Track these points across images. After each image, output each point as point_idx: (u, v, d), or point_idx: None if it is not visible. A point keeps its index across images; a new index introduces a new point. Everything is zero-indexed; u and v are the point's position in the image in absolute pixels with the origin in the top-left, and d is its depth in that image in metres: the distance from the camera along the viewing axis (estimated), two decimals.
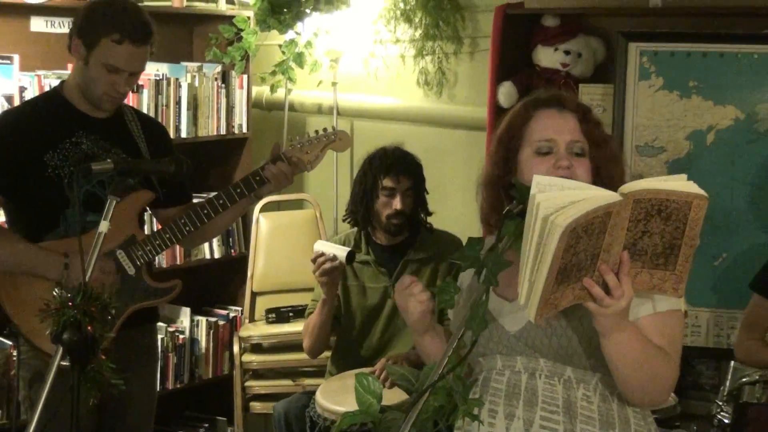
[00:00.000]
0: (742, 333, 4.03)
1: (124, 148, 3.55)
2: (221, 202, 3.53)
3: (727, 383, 4.12)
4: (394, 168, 4.29)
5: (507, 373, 2.48)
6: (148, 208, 3.74)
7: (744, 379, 3.57)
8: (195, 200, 3.80)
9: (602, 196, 2.10)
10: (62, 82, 3.60)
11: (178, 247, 4.93)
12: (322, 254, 4.13)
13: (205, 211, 3.54)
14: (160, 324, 4.39)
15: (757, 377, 3.51)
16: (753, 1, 4.63)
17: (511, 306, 2.46)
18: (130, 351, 3.51)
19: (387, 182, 4.27)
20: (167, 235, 3.53)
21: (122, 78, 3.43)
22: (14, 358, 3.41)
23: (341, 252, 4.17)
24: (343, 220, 4.56)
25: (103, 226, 2.91)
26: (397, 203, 4.28)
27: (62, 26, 4.89)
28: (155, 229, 3.84)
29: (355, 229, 4.46)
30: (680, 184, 2.15)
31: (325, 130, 3.69)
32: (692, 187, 2.15)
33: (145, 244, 3.51)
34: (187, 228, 3.53)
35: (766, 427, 3.44)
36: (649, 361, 2.31)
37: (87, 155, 3.43)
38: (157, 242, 3.52)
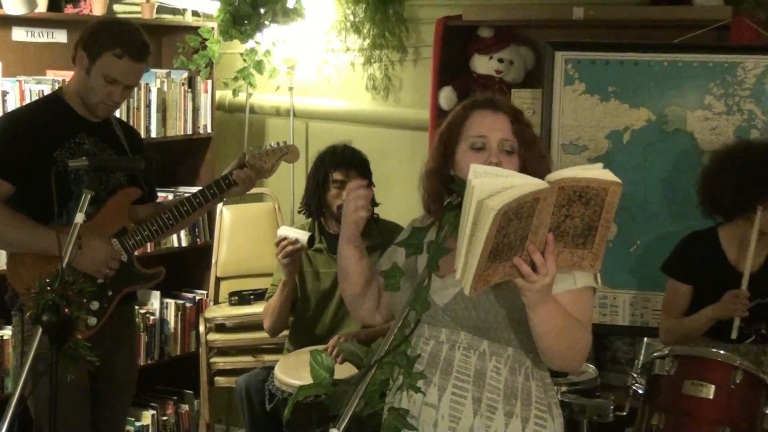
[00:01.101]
0: (663, 315, 4.07)
1: (114, 149, 3.62)
2: (198, 200, 3.65)
3: (641, 357, 4.19)
4: (343, 162, 4.30)
5: (432, 343, 2.49)
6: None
7: (655, 354, 3.57)
8: (165, 193, 3.86)
9: (531, 183, 2.12)
10: (61, 88, 3.66)
11: None
12: (285, 238, 4.16)
13: (185, 208, 3.64)
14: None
15: (666, 351, 3.51)
16: (663, 14, 4.71)
17: (441, 282, 2.46)
18: (117, 327, 3.60)
19: (337, 175, 4.28)
20: (154, 227, 3.60)
21: (118, 89, 3.50)
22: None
23: (303, 236, 4.18)
24: (299, 212, 4.56)
25: (78, 217, 2.96)
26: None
27: (41, 36, 4.85)
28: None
29: (309, 220, 4.47)
30: (598, 172, 2.17)
31: (278, 143, 3.79)
32: (608, 175, 2.16)
33: (135, 235, 3.57)
34: (171, 221, 3.62)
35: (674, 396, 3.43)
36: (569, 331, 2.34)
37: (89, 153, 3.47)
38: (146, 233, 3.59)
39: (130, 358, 3.81)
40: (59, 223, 3.38)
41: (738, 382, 3.37)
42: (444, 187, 2.52)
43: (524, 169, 2.47)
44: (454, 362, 2.46)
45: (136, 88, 5.02)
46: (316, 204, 4.35)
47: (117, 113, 3.88)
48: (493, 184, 2.09)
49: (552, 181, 2.13)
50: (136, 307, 4.99)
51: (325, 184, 4.30)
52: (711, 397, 3.37)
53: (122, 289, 3.56)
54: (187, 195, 3.73)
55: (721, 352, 3.49)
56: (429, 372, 2.47)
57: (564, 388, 3.83)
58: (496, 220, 2.04)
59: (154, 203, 3.83)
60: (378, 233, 4.35)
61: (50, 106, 3.65)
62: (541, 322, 2.30)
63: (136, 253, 3.64)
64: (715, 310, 3.75)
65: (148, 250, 5.00)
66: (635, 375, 3.92)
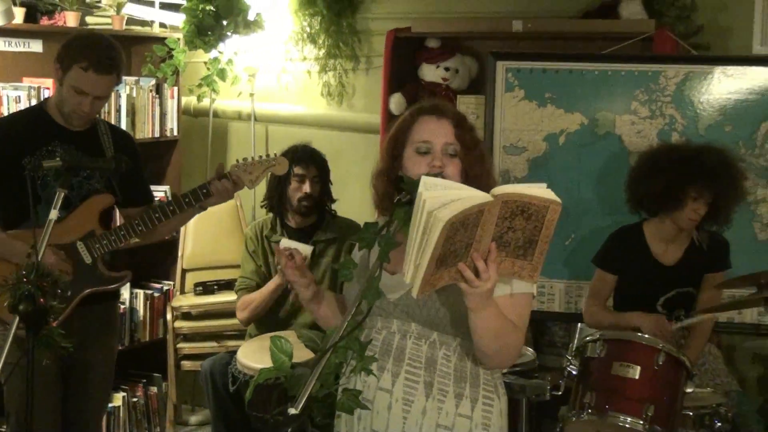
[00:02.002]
0: (588, 301, 4.10)
1: (92, 156, 3.53)
2: (171, 208, 3.52)
3: (575, 341, 4.20)
4: (303, 158, 4.31)
5: (384, 333, 2.48)
6: (116, 207, 3.72)
7: (588, 338, 3.57)
8: None
9: (477, 196, 2.11)
10: (46, 99, 3.61)
11: None
12: (291, 253, 4.11)
13: (157, 215, 3.52)
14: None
15: (597, 336, 3.51)
16: (593, 27, 4.76)
17: (393, 278, 2.45)
18: (91, 323, 3.52)
19: (298, 170, 4.29)
20: (122, 233, 3.51)
21: (87, 100, 3.43)
22: None
23: (307, 249, 4.15)
24: (261, 206, 4.55)
25: (53, 214, 2.94)
26: (306, 187, 4.30)
27: (18, 45, 4.82)
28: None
29: (270, 214, 4.47)
30: (541, 191, 2.16)
31: (267, 155, 3.66)
32: (550, 194, 2.16)
33: (102, 239, 3.49)
34: (140, 228, 3.51)
35: (604, 376, 3.45)
36: (504, 333, 2.35)
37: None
38: (113, 237, 3.50)
39: (105, 357, 3.70)
40: (27, 226, 3.36)
41: (661, 363, 3.39)
42: (393, 187, 2.51)
43: (465, 170, 2.48)
44: (406, 350, 2.45)
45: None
46: (278, 198, 4.35)
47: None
48: (442, 196, 2.09)
49: (496, 195, 2.13)
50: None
51: (286, 179, 4.29)
52: (637, 377, 3.39)
53: (83, 290, 3.47)
54: (160, 204, 3.61)
55: (646, 336, 3.53)
56: (382, 359, 2.46)
57: (505, 370, 3.85)
58: (445, 230, 2.05)
59: (150, 206, 3.66)
60: (336, 228, 4.37)
61: (29, 115, 3.62)
62: (481, 323, 2.30)
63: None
64: (640, 321, 3.79)
65: (129, 241, 4.97)
66: (569, 357, 3.94)
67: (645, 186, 3.90)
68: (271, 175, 4.30)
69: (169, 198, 3.92)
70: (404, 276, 2.16)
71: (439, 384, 2.44)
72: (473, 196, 2.11)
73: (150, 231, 3.56)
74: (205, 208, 3.62)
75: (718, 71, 4.43)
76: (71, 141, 3.52)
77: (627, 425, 3.34)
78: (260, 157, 3.63)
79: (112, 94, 5.03)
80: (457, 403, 2.44)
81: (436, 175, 2.37)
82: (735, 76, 4.42)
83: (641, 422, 3.32)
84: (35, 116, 3.56)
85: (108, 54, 3.45)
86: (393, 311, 2.47)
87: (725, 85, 4.43)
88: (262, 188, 4.45)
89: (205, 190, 3.51)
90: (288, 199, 4.33)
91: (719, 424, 3.57)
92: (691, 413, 3.53)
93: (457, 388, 2.44)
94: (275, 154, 3.70)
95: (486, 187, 2.17)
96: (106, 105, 4.99)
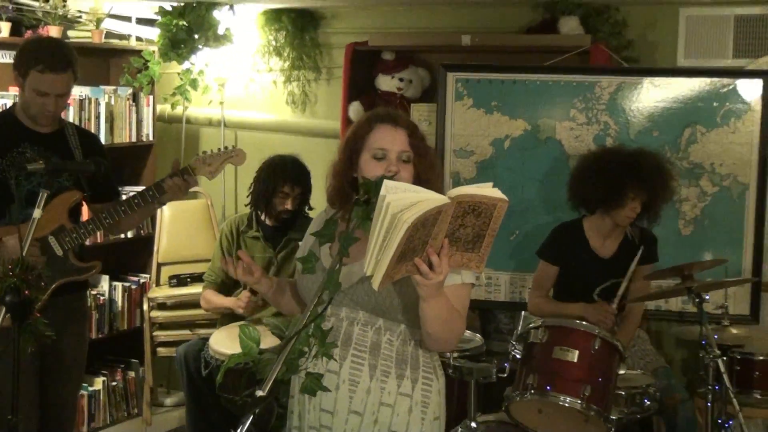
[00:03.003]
0: (532, 292, 4.13)
1: (61, 156, 3.48)
2: (136, 201, 3.50)
3: (519, 328, 4.18)
4: (291, 177, 4.29)
5: (332, 320, 2.47)
6: (84, 203, 3.66)
7: (530, 325, 3.56)
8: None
9: (436, 198, 2.12)
10: (13, 104, 3.53)
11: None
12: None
13: (123, 209, 3.49)
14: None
15: (539, 323, 3.52)
16: (535, 42, 4.80)
17: (345, 269, 2.42)
18: (64, 312, 3.47)
19: (285, 189, 4.27)
20: (90, 226, 3.48)
21: (50, 99, 3.38)
22: None
23: None
24: (246, 206, 4.51)
25: (36, 212, 2.91)
26: (288, 204, 4.29)
27: (3, 57, 4.75)
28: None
29: (247, 211, 4.45)
30: (490, 190, 2.17)
31: (225, 147, 3.64)
32: (498, 193, 2.17)
33: (72, 232, 3.45)
34: (107, 221, 3.48)
35: (545, 360, 3.47)
36: (452, 320, 2.36)
37: (30, 161, 3.34)
38: (82, 231, 3.46)
39: (77, 342, 3.64)
40: (2, 223, 3.33)
41: (597, 347, 3.42)
42: (348, 185, 2.52)
43: (418, 175, 2.48)
44: (353, 336, 2.45)
45: (85, 102, 4.98)
46: (263, 206, 4.33)
47: (76, 122, 3.78)
48: (404, 199, 2.10)
49: (452, 196, 2.14)
50: (88, 290, 4.94)
51: (274, 192, 4.29)
52: (575, 360, 3.41)
53: (56, 280, 3.43)
54: (126, 198, 3.57)
55: (584, 323, 3.55)
56: None
57: (455, 354, 3.87)
58: (408, 231, 2.06)
59: (116, 201, 3.63)
60: (308, 227, 4.34)
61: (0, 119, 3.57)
62: (431, 312, 2.31)
63: (87, 242, 3.53)
64: (585, 311, 3.81)
65: (99, 241, 4.94)
66: (514, 343, 3.97)
67: (587, 187, 3.94)
68: (259, 183, 4.32)
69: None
70: (365, 269, 2.15)
71: (382, 366, 2.44)
72: (432, 198, 2.13)
73: (116, 223, 3.53)
74: (163, 204, 3.60)
75: (647, 82, 4.50)
76: (40, 143, 3.46)
77: (566, 404, 3.36)
78: (219, 149, 3.61)
79: (92, 102, 5.01)
80: (398, 383, 2.45)
81: (391, 178, 2.38)
82: (662, 86, 4.49)
83: (579, 401, 3.34)
84: (4, 121, 3.51)
85: (60, 53, 3.40)
86: (342, 300, 2.46)
87: (653, 95, 4.49)
88: (231, 191, 4.43)
89: (159, 186, 3.49)
90: (272, 207, 4.32)
91: (648, 402, 3.63)
92: (623, 393, 3.57)
93: (399, 369, 2.45)
94: (233, 146, 3.69)
95: (437, 190, 2.18)
96: (87, 113, 4.97)
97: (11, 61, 4.69)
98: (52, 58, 3.35)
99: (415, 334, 2.45)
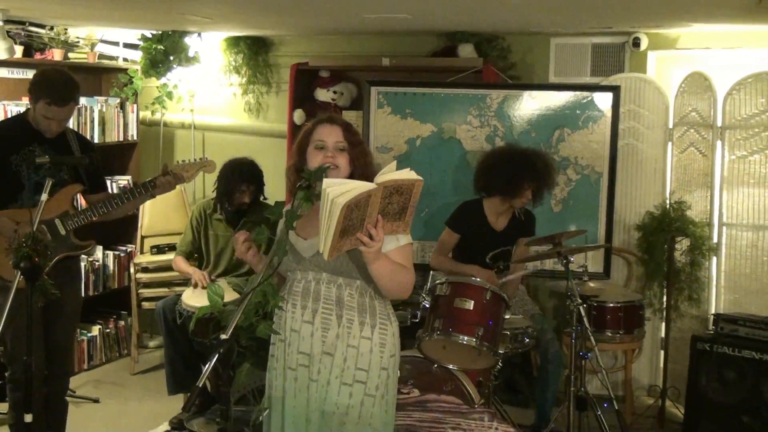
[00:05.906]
0: (435, 251, 4.09)
1: (63, 154, 3.41)
2: (127, 195, 3.46)
3: (428, 284, 4.24)
4: (247, 178, 4.23)
5: (303, 282, 2.47)
6: (80, 195, 3.62)
7: (437, 282, 3.58)
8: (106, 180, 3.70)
9: (366, 185, 2.15)
10: (27, 110, 3.43)
11: None
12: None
13: (116, 201, 3.45)
14: (83, 256, 4.22)
15: (443, 280, 3.55)
16: (440, 63, 4.83)
17: (306, 242, 2.46)
18: (63, 274, 3.41)
19: (242, 187, 4.21)
20: (89, 213, 3.43)
21: (54, 122, 3.34)
22: None
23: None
24: (212, 191, 4.42)
25: (44, 197, 2.95)
26: (246, 198, 4.24)
27: (18, 74, 4.74)
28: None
29: (212, 197, 4.39)
30: (408, 174, 2.22)
31: (200, 158, 3.63)
32: (414, 175, 2.22)
33: (74, 216, 3.41)
34: (103, 210, 3.44)
35: (448, 308, 3.47)
36: (397, 274, 2.37)
37: (37, 157, 3.33)
38: (82, 216, 3.41)
39: (74, 296, 3.58)
40: (14, 206, 3.31)
41: (488, 298, 3.45)
42: (299, 177, 2.49)
43: (353, 161, 2.47)
44: (321, 293, 2.44)
45: (83, 109, 4.88)
46: (227, 199, 4.26)
47: (71, 125, 3.69)
48: (340, 188, 2.12)
49: (379, 182, 2.17)
50: (86, 257, 4.89)
51: (234, 190, 4.23)
52: (471, 308, 3.43)
53: (59, 253, 3.39)
54: (119, 192, 3.54)
55: (478, 279, 3.57)
56: (304, 300, 2.45)
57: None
58: (343, 211, 2.09)
59: (105, 193, 3.60)
60: (260, 212, 4.30)
61: (15, 123, 3.50)
62: (377, 271, 2.33)
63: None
64: (479, 275, 3.77)
65: (94, 219, 4.85)
66: (424, 295, 3.94)
67: (490, 177, 3.93)
68: (221, 181, 4.27)
69: (128, 187, 3.85)
70: (319, 246, 2.17)
71: (347, 315, 2.44)
72: (363, 185, 2.14)
73: (110, 212, 3.49)
74: (154, 196, 3.58)
75: (526, 94, 4.55)
76: (47, 143, 3.39)
77: (464, 342, 3.39)
78: (195, 159, 3.63)
79: (87, 110, 4.91)
80: (361, 328, 2.44)
81: (328, 168, 2.39)
82: (537, 97, 4.54)
83: (474, 340, 3.38)
84: (19, 124, 3.42)
85: (65, 89, 3.32)
86: (308, 266, 2.46)
87: (531, 104, 4.54)
88: (199, 179, 4.34)
89: (152, 183, 3.47)
90: (233, 201, 4.26)
91: (527, 339, 3.68)
92: (508, 333, 3.61)
93: (360, 317, 2.44)
94: (206, 158, 3.68)
95: (370, 174, 2.20)
96: (83, 118, 4.91)
97: (24, 77, 4.65)
98: (59, 94, 3.29)
99: (369, 288, 2.45)
